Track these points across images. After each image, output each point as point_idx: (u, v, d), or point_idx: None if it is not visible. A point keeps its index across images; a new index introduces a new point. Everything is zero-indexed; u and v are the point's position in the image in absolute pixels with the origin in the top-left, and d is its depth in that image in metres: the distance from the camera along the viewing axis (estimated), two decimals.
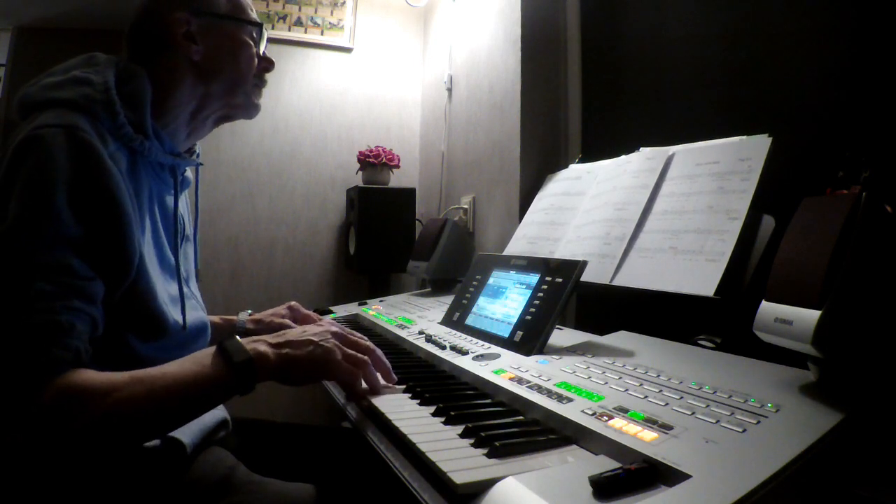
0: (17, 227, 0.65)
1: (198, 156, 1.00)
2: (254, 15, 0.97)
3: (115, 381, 0.65)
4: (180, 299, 0.86)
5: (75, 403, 0.62)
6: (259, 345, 0.74)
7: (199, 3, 0.89)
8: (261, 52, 0.97)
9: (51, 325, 0.63)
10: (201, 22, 0.89)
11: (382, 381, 0.84)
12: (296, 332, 0.80)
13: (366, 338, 0.86)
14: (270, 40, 1.08)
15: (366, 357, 0.82)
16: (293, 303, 1.22)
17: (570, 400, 0.67)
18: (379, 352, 0.85)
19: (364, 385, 0.81)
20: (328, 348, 0.78)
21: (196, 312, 0.91)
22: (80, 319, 0.66)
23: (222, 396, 0.72)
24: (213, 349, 0.73)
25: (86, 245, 0.68)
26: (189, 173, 1.00)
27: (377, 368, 0.84)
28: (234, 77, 0.93)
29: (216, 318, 1.12)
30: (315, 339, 0.78)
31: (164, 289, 0.82)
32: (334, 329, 0.82)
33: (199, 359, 0.72)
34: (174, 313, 0.82)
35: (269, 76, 1.02)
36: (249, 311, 1.20)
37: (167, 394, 0.67)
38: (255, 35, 0.96)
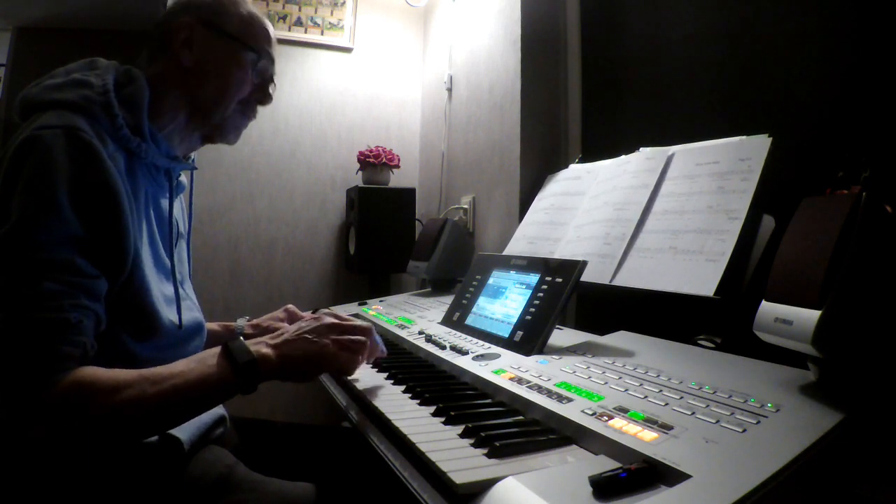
0: (21, 227, 0.65)
1: (193, 161, 1.00)
2: (271, 49, 0.95)
3: (124, 379, 0.67)
4: (176, 299, 0.87)
5: (84, 399, 0.64)
6: (261, 346, 0.76)
7: (210, 13, 0.90)
8: (254, 79, 0.94)
9: (60, 323, 0.65)
10: (205, 32, 0.89)
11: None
12: (291, 330, 0.81)
13: (358, 321, 0.87)
14: None
15: (363, 338, 0.83)
16: (290, 306, 1.22)
17: (570, 400, 0.67)
18: (374, 330, 0.87)
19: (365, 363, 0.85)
20: (323, 343, 0.79)
21: (191, 313, 0.91)
22: (87, 317, 0.68)
23: (226, 395, 0.74)
24: (218, 349, 0.74)
25: (89, 243, 0.69)
26: (184, 178, 1.01)
27: (372, 353, 0.87)
28: (217, 92, 0.90)
29: (215, 326, 1.12)
30: (309, 335, 0.79)
31: (159, 289, 0.83)
32: (328, 321, 0.83)
33: (205, 359, 0.73)
34: (169, 313, 0.83)
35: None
36: (247, 317, 1.20)
37: (174, 392, 0.68)
38: (257, 65, 0.93)
